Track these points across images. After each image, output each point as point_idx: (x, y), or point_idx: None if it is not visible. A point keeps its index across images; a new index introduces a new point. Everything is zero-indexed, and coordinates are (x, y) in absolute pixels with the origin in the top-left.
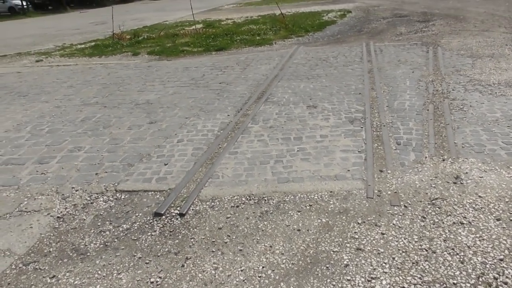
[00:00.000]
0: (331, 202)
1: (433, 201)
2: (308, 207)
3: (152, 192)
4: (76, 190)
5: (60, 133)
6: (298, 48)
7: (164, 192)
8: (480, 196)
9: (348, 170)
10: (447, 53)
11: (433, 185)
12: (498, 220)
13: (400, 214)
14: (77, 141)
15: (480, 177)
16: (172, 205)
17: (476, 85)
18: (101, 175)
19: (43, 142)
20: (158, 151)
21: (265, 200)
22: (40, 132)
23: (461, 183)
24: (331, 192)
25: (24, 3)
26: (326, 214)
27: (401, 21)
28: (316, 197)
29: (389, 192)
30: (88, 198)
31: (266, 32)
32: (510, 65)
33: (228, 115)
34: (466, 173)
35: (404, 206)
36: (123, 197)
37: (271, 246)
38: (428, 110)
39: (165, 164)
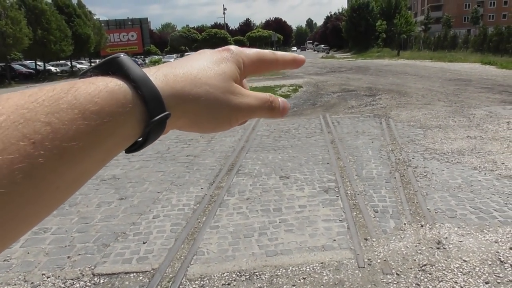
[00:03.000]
0: (324, 274)
1: (423, 268)
2: (302, 281)
3: (135, 274)
4: (48, 277)
5: None
6: (259, 120)
7: (147, 273)
8: (465, 260)
9: (334, 240)
10: (398, 124)
11: (419, 251)
12: (487, 283)
13: (395, 282)
14: (41, 222)
15: (460, 241)
16: (159, 287)
17: (433, 153)
18: (74, 258)
19: None
20: (134, 229)
21: (257, 276)
22: None
23: (444, 248)
24: (322, 263)
25: None
26: (322, 286)
27: (350, 95)
28: (308, 269)
29: (378, 261)
30: (63, 285)
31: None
32: (458, 135)
33: (202, 188)
34: (446, 238)
35: (397, 274)
36: (102, 281)
37: None
38: (395, 178)
39: (144, 243)
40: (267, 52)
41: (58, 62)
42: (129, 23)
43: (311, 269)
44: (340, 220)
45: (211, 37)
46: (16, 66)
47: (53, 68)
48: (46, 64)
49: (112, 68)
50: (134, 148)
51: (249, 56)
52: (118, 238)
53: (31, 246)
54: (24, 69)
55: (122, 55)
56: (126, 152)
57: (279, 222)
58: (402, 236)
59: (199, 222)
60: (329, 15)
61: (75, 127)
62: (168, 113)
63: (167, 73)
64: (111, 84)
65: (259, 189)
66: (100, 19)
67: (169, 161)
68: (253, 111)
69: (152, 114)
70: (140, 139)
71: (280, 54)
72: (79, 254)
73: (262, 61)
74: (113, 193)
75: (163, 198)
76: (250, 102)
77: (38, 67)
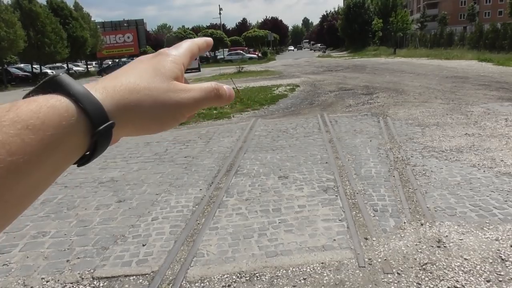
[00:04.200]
0: (325, 274)
1: (424, 266)
2: (302, 281)
3: (134, 277)
4: (47, 281)
5: (19, 218)
6: (257, 120)
7: (147, 275)
8: (465, 259)
9: (334, 240)
10: (396, 122)
11: (419, 250)
12: (488, 281)
13: (396, 282)
14: (40, 226)
15: (460, 239)
16: None
17: (431, 151)
18: (74, 262)
19: None
20: (133, 231)
21: (257, 277)
22: None
23: (445, 246)
24: (322, 263)
25: None
26: (323, 287)
27: (347, 94)
28: (308, 270)
29: (379, 260)
30: None
31: (222, 106)
32: (456, 132)
33: (201, 189)
34: (446, 236)
35: (397, 273)
36: (101, 284)
37: None
38: (394, 176)
39: (143, 245)
40: (191, 44)
41: (54, 65)
42: (125, 24)
43: (311, 269)
44: (339, 220)
45: (207, 37)
46: (12, 69)
47: (49, 71)
48: (42, 66)
49: (52, 87)
50: (83, 161)
51: (182, 53)
52: (117, 240)
53: (30, 250)
54: (20, 72)
55: (61, 74)
56: (77, 165)
57: (279, 222)
58: (402, 235)
59: (198, 223)
60: (325, 14)
61: (19, 141)
62: (112, 122)
63: (106, 86)
64: (52, 100)
65: (258, 189)
66: (96, 21)
67: (167, 162)
68: (199, 103)
69: (96, 125)
70: (88, 152)
71: (198, 40)
72: (78, 258)
73: (192, 53)
74: (112, 195)
75: (161, 200)
76: (195, 95)
77: (34, 70)
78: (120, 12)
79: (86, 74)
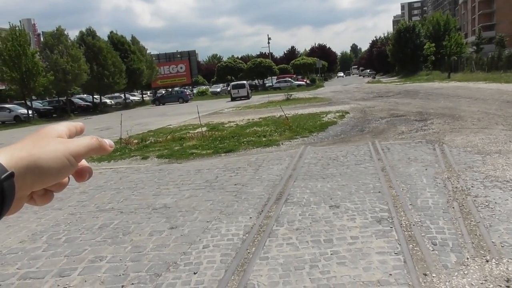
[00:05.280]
0: None
1: None
2: None
3: None
4: None
5: (78, 242)
6: (306, 148)
7: None
8: None
9: (390, 274)
10: (454, 150)
11: None
12: None
13: None
14: (98, 250)
15: None
16: None
17: (494, 181)
18: (128, 287)
19: (62, 252)
20: (184, 259)
21: None
22: (57, 241)
23: None
24: None
25: (30, 112)
26: None
27: (399, 121)
28: None
29: None
30: None
31: (271, 133)
32: None
33: (251, 218)
34: None
35: None
36: None
37: None
38: (453, 208)
39: (195, 273)
40: (69, 123)
41: (112, 95)
42: (178, 56)
43: None
44: (395, 253)
45: (256, 66)
46: (75, 99)
47: (108, 101)
48: (102, 97)
49: None
50: None
51: (62, 125)
52: (170, 268)
53: (88, 274)
54: (82, 102)
55: None
56: None
57: (331, 254)
58: (466, 272)
59: (249, 252)
60: (374, 39)
61: None
62: (11, 171)
63: (4, 153)
64: None
65: (308, 219)
66: (151, 53)
67: (217, 190)
68: (84, 146)
69: None
70: None
71: (75, 123)
72: (133, 284)
73: (69, 128)
74: (164, 222)
75: (212, 228)
76: (81, 141)
77: (95, 100)
78: (174, 44)
79: (141, 103)
